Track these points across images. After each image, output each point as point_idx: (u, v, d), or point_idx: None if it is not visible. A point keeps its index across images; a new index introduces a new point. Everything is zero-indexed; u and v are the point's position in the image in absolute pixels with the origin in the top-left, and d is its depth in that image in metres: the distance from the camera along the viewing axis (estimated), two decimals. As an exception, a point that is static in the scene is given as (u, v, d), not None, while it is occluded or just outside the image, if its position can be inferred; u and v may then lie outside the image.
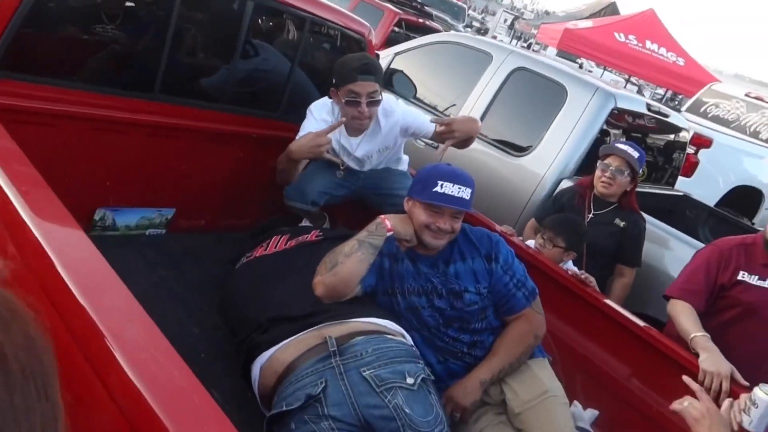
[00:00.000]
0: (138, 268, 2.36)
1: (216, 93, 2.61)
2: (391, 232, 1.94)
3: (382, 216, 1.98)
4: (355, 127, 2.51)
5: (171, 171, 2.57)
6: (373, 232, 1.94)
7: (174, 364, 1.10)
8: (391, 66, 4.78)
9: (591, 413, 2.41)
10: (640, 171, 3.07)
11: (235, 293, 2.20)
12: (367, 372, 1.69)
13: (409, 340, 1.96)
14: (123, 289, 1.22)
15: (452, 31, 5.07)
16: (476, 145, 4.13)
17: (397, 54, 4.88)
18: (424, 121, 2.55)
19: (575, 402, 2.37)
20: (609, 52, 10.34)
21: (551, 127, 3.90)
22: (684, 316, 2.32)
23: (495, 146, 4.10)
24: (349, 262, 1.89)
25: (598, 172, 3.07)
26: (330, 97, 2.52)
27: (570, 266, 2.77)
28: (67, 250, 1.31)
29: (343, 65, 2.45)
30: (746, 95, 7.63)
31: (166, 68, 2.31)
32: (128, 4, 2.29)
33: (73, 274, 1.19)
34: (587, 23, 11.28)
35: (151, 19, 2.35)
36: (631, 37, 10.42)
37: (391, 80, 4.69)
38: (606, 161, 3.04)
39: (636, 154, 3.02)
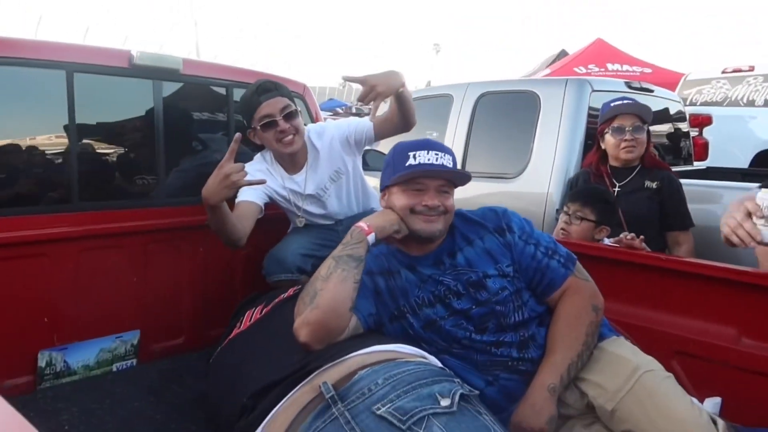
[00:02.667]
0: (103, 407, 1.91)
1: (152, 191, 2.32)
2: (371, 234, 1.53)
3: (356, 223, 1.58)
4: (287, 153, 2.22)
5: (122, 285, 2.19)
6: (350, 242, 1.53)
7: None
8: (361, 149, 4.61)
9: (713, 402, 1.85)
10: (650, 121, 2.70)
11: (215, 390, 1.73)
12: (383, 408, 1.20)
13: (436, 362, 1.46)
14: None
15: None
16: (473, 183, 3.81)
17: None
18: (360, 121, 2.31)
19: (690, 398, 1.82)
20: (575, 86, 10.26)
21: (536, 136, 3.59)
22: None
23: (491, 177, 3.77)
24: (330, 286, 1.46)
25: (613, 140, 2.65)
26: (256, 143, 2.28)
27: (606, 242, 2.29)
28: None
29: (243, 101, 2.28)
30: (723, 72, 7.42)
31: (79, 175, 2.05)
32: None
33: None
34: (545, 71, 11.37)
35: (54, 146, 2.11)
36: (591, 66, 10.41)
37: (365, 160, 4.49)
38: (617, 125, 2.64)
39: (640, 104, 2.67)
